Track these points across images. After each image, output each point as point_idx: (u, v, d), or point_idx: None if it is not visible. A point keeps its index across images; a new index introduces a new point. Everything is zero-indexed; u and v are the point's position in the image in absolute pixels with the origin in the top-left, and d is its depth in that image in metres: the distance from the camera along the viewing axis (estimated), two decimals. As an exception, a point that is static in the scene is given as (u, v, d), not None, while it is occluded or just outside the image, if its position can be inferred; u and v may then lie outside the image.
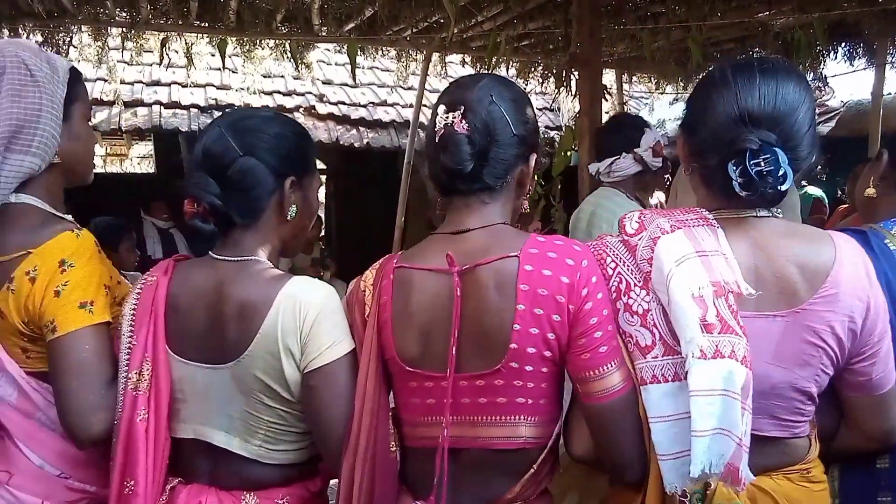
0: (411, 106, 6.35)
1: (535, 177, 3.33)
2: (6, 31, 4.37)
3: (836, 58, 4.80)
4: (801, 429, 1.29)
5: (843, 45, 4.73)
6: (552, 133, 7.05)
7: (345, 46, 4.53)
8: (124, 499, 1.32)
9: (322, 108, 6.76)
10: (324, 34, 4.72)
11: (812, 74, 5.04)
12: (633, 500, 1.26)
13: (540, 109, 7.31)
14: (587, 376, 1.20)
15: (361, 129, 6.70)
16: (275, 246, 1.42)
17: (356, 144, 6.53)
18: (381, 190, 6.68)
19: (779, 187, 1.18)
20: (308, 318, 1.28)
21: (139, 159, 13.09)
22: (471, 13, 4.18)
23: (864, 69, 4.77)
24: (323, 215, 8.29)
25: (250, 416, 1.34)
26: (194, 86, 6.40)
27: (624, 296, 1.24)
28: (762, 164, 1.16)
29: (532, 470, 1.26)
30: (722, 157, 1.21)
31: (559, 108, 7.44)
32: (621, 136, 2.67)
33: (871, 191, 1.61)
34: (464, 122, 1.22)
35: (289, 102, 6.82)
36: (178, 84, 6.45)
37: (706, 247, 1.20)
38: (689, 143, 1.33)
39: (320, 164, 8.44)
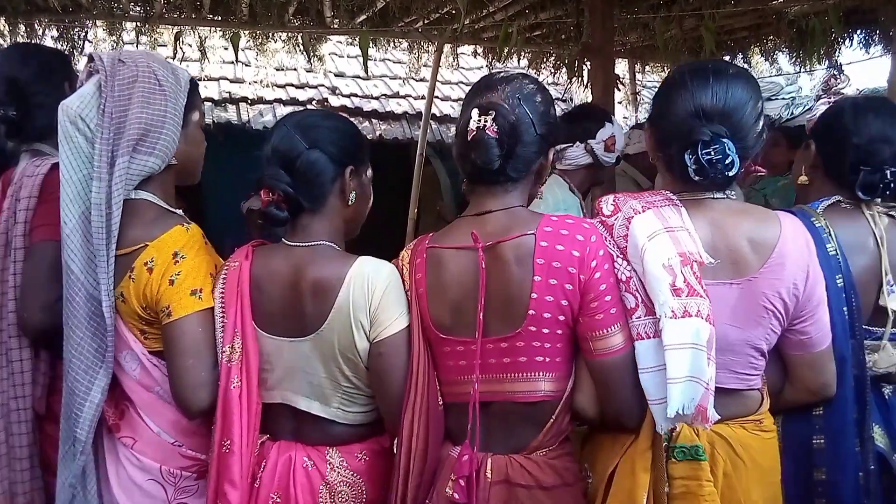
0: (423, 97, 6.34)
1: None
2: (22, 27, 4.42)
3: (851, 45, 4.74)
4: (754, 381, 1.50)
5: (858, 32, 4.66)
6: (564, 123, 7.02)
7: (357, 39, 4.54)
8: (223, 457, 1.51)
9: (335, 101, 6.77)
10: (336, 27, 4.73)
11: (827, 62, 5.00)
12: (619, 440, 1.47)
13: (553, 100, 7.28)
14: (595, 335, 1.40)
15: (374, 120, 6.71)
16: (338, 229, 1.61)
17: (369, 136, 6.53)
18: (394, 181, 6.70)
19: (727, 173, 1.40)
20: (376, 293, 1.47)
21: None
22: (482, 4, 4.18)
23: (881, 56, 4.71)
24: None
25: (329, 382, 1.53)
26: (208, 79, 6.42)
27: (604, 267, 1.42)
28: (712, 153, 1.38)
29: (552, 419, 1.44)
30: (680, 147, 1.43)
31: (571, 99, 7.42)
32: (578, 126, 2.71)
33: (803, 178, 1.82)
34: (494, 125, 1.39)
35: (301, 95, 6.84)
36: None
37: (672, 223, 1.41)
38: (654, 135, 1.55)
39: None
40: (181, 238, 1.57)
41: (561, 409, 1.45)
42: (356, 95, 6.93)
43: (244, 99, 6.31)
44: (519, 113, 1.42)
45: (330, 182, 1.55)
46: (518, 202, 1.48)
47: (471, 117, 1.43)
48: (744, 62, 5.76)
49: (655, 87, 7.75)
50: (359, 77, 7.13)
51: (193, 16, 4.50)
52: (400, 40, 5.37)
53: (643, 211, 1.44)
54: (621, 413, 1.43)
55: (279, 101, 6.75)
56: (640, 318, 1.40)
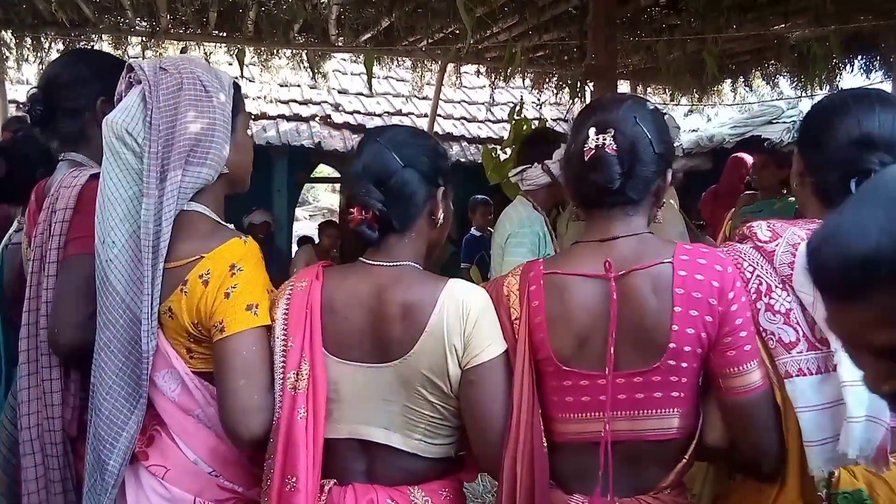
0: (426, 115, 6.38)
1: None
2: (28, 39, 4.46)
3: (852, 70, 4.78)
4: None
5: (859, 57, 4.71)
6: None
7: (361, 56, 4.57)
8: (286, 496, 1.37)
9: (338, 117, 6.81)
10: (340, 44, 4.77)
11: (829, 86, 5.03)
12: (764, 491, 1.36)
13: (554, 120, 7.33)
14: (731, 372, 1.31)
15: (376, 138, 6.74)
16: (421, 251, 1.51)
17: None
18: (395, 199, 6.70)
19: None
20: (470, 317, 1.37)
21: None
22: (487, 24, 4.21)
23: (881, 82, 4.75)
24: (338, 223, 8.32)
25: (411, 410, 1.41)
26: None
27: (765, 296, 1.34)
28: None
29: (685, 459, 1.36)
30: (842, 175, 1.35)
31: (573, 119, 7.45)
32: (535, 149, 2.78)
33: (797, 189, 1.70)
34: (613, 143, 1.34)
35: (305, 111, 6.88)
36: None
37: None
38: (806, 160, 1.48)
39: (335, 173, 8.49)
40: (239, 250, 1.47)
41: (693, 448, 1.37)
42: (359, 112, 6.97)
43: (249, 115, 6.34)
44: (637, 131, 1.36)
45: (422, 203, 1.46)
46: (643, 227, 1.40)
47: (587, 137, 1.37)
48: (745, 85, 5.80)
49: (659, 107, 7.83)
50: (362, 94, 7.18)
51: (199, 31, 4.54)
52: (404, 58, 5.41)
53: (807, 238, 1.34)
54: (759, 455, 1.34)
55: (282, 116, 6.80)
56: (801, 352, 1.31)
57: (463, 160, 6.75)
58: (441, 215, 1.50)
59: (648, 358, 1.31)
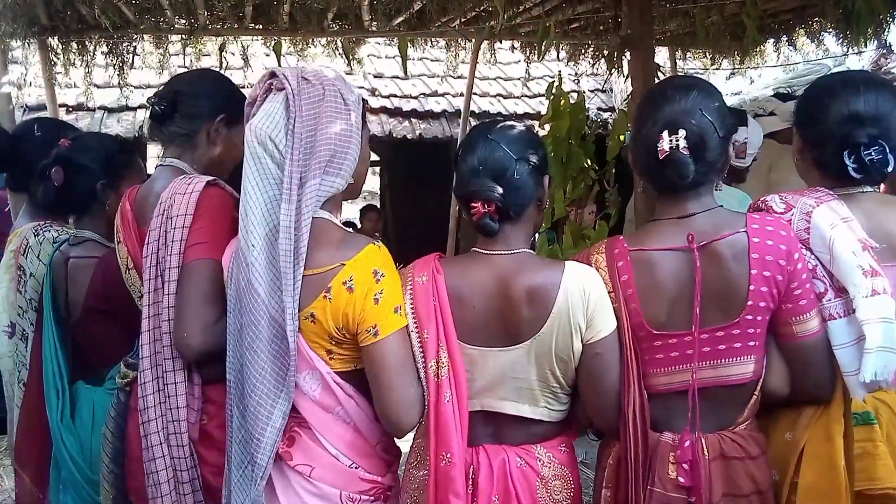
0: (462, 95, 6.36)
1: (589, 161, 3.46)
2: (74, 44, 4.59)
3: (901, 23, 4.60)
4: None
5: (908, 9, 4.53)
6: (605, 115, 6.98)
7: (395, 40, 4.59)
8: (442, 471, 1.54)
9: (374, 102, 6.84)
10: (374, 29, 4.79)
11: (876, 41, 4.85)
12: (804, 411, 1.62)
13: (592, 91, 7.24)
14: (796, 320, 1.55)
15: (413, 120, 6.76)
16: (530, 235, 1.66)
17: (409, 136, 6.59)
18: (435, 180, 6.74)
19: (885, 170, 1.61)
20: (592, 297, 1.54)
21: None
22: (519, 0, 4.18)
23: (933, 33, 4.56)
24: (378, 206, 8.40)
25: (539, 384, 1.59)
26: (251, 86, 6.56)
27: (804, 259, 1.56)
28: (873, 153, 1.59)
29: (755, 396, 1.59)
30: (836, 148, 1.63)
31: (612, 90, 7.35)
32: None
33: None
34: (685, 143, 1.50)
35: (342, 98, 6.91)
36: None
37: (843, 215, 1.57)
38: (804, 138, 1.76)
39: (374, 157, 8.56)
40: (377, 256, 1.53)
41: (761, 387, 1.59)
42: (395, 96, 6.99)
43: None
44: (703, 123, 1.53)
45: (533, 192, 1.61)
46: (713, 202, 1.60)
47: (660, 137, 1.52)
48: (789, 45, 5.63)
49: (698, 73, 7.66)
50: (397, 77, 7.19)
51: (236, 26, 4.61)
52: (437, 39, 5.41)
53: (818, 205, 1.59)
54: (820, 387, 1.58)
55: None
56: (830, 300, 1.56)
57: (501, 138, 6.71)
58: (546, 202, 1.66)
59: (729, 315, 1.53)
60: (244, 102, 1.69)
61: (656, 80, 3.78)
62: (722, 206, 1.61)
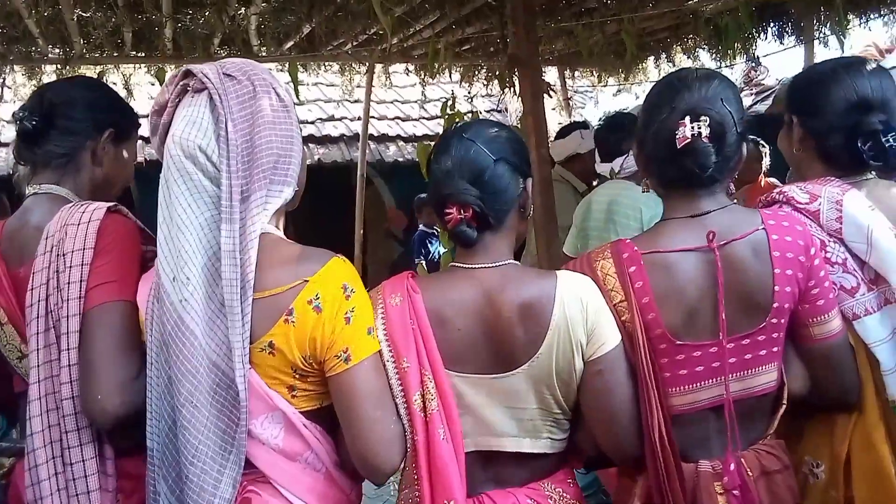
0: (359, 118, 6.34)
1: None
2: (-65, 77, 4.27)
3: (766, 38, 4.95)
4: None
5: (772, 24, 4.87)
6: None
7: (286, 65, 4.52)
8: None
9: (270, 129, 6.69)
10: (263, 54, 4.70)
11: (745, 55, 5.19)
12: (839, 422, 1.49)
13: (487, 112, 7.38)
14: (816, 321, 1.43)
15: (311, 145, 6.69)
16: (512, 245, 1.46)
17: (307, 162, 6.47)
18: (337, 204, 6.67)
19: None
20: (590, 308, 1.36)
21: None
22: (408, 23, 4.20)
23: (794, 46, 4.92)
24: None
25: (540, 412, 1.39)
26: (141, 116, 6.30)
27: (821, 251, 1.46)
28: (891, 139, 1.49)
29: (783, 405, 1.46)
30: (846, 137, 1.53)
31: (506, 109, 7.52)
32: (627, 135, 2.82)
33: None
34: (708, 131, 1.37)
35: (235, 125, 6.75)
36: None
37: (869, 202, 1.49)
38: (806, 127, 1.62)
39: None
40: (344, 269, 1.31)
41: (786, 394, 1.47)
42: (291, 121, 6.88)
43: (176, 134, 6.19)
44: (724, 115, 1.40)
45: (515, 196, 1.42)
46: (727, 200, 1.47)
47: (681, 123, 1.37)
48: (667, 61, 5.94)
49: (587, 91, 7.97)
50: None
51: (115, 54, 4.41)
52: (330, 63, 5.37)
53: (844, 194, 1.49)
54: (848, 391, 1.46)
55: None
56: (863, 294, 1.46)
57: (400, 159, 6.75)
58: (531, 208, 1.48)
59: (754, 320, 1.40)
60: (132, 114, 1.52)
61: (548, 98, 3.90)
62: (736, 202, 1.49)
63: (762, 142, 4.53)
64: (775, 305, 1.39)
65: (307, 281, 1.26)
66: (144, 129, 1.53)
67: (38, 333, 1.40)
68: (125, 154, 1.70)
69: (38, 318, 1.40)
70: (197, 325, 1.24)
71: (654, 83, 1.56)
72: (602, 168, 3.04)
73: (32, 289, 1.41)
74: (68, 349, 1.36)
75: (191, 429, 1.23)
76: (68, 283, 1.37)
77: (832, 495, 1.49)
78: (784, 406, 1.46)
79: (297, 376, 1.29)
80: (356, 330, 1.28)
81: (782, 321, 1.41)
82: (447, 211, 1.36)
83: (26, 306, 1.42)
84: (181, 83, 1.35)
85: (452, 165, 1.39)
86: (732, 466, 1.38)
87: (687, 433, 1.41)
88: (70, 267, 1.38)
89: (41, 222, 1.48)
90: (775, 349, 1.43)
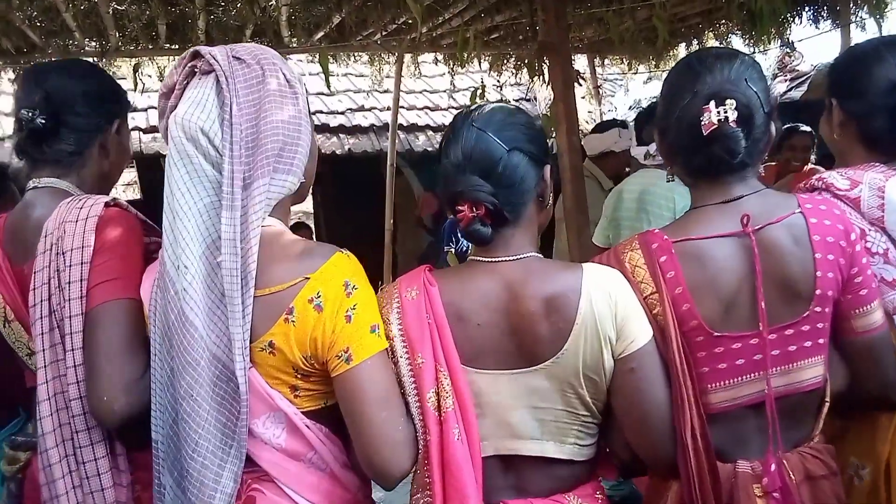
0: (389, 109, 6.36)
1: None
2: (-23, 71, 4.39)
3: (801, 22, 4.85)
4: None
5: (807, 8, 4.78)
6: (530, 122, 7.08)
7: (317, 56, 4.56)
8: None
9: (300, 119, 6.75)
10: (294, 45, 4.74)
11: (779, 41, 5.09)
12: (881, 422, 1.43)
13: (516, 100, 7.35)
14: (857, 312, 1.35)
15: (342, 135, 6.73)
16: (534, 237, 1.37)
17: (338, 152, 6.55)
18: (367, 194, 6.71)
19: None
20: (620, 302, 1.27)
21: (124, 186, 13.02)
22: (437, 11, 4.21)
23: (830, 31, 4.82)
24: (312, 224, 8.29)
25: (566, 414, 1.30)
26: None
27: (860, 240, 1.38)
28: None
29: (827, 402, 1.37)
30: (890, 118, 1.47)
31: (535, 98, 7.49)
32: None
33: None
34: (736, 114, 1.29)
35: (266, 116, 6.81)
36: (155, 108, 6.43)
37: None
38: (846, 110, 1.56)
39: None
40: (347, 266, 1.25)
41: (828, 390, 1.38)
42: (321, 112, 6.94)
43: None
44: (750, 96, 1.32)
45: (532, 187, 1.32)
46: (759, 184, 1.38)
47: (705, 109, 1.30)
48: (699, 47, 5.86)
49: (617, 79, 7.89)
50: (322, 94, 7.13)
51: (150, 46, 4.49)
52: (360, 54, 5.39)
53: (887, 180, 1.43)
54: (888, 388, 1.38)
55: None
56: None
57: (430, 149, 6.75)
58: (549, 197, 1.39)
59: (797, 308, 1.32)
60: (126, 95, 1.49)
61: (577, 85, 3.88)
62: (769, 187, 1.40)
63: (813, 131, 4.45)
64: (818, 292, 1.30)
65: (308, 278, 1.22)
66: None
67: (42, 333, 1.38)
68: (125, 140, 1.65)
69: (41, 318, 1.38)
70: (197, 316, 1.21)
71: (671, 67, 1.48)
72: (637, 151, 3.04)
73: (34, 289, 1.39)
74: (73, 349, 1.35)
75: (191, 422, 1.21)
76: (69, 282, 1.35)
77: (876, 498, 1.43)
78: (827, 403, 1.37)
79: (298, 376, 1.26)
80: (357, 328, 1.23)
81: (826, 310, 1.32)
82: (459, 208, 1.28)
83: (30, 306, 1.40)
84: (189, 65, 1.31)
85: (462, 158, 1.29)
86: (773, 467, 1.29)
87: (726, 432, 1.34)
88: (70, 266, 1.35)
89: (43, 217, 1.44)
90: (821, 341, 1.34)
